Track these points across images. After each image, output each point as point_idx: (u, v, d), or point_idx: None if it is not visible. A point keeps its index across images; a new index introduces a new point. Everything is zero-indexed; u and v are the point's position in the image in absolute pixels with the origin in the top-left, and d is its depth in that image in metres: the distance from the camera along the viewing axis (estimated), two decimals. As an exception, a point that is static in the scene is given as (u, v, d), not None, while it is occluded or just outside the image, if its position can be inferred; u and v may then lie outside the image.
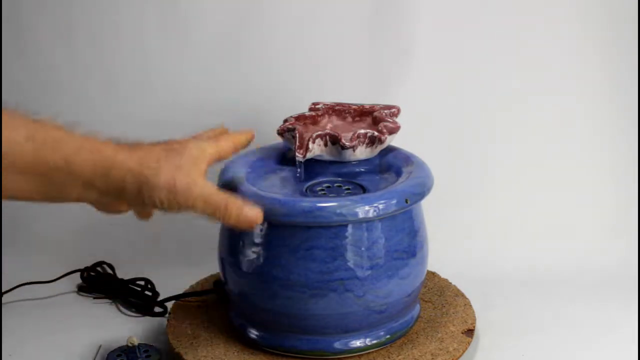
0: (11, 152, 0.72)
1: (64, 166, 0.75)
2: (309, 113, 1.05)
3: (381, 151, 1.03)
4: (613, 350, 1.00)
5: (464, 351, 0.97)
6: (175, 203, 0.80)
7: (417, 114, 1.19)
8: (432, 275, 1.12)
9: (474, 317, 1.03)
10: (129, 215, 1.25)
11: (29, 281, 1.15)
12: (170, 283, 1.11)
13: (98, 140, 0.78)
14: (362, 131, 0.99)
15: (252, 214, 0.84)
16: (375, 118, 1.04)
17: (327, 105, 1.06)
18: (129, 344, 0.99)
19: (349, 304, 0.93)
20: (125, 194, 0.79)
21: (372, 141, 1.00)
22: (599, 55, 1.25)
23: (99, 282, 1.15)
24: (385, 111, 1.04)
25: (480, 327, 1.04)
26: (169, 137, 1.25)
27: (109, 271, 1.17)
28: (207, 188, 0.81)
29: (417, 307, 1.03)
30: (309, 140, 0.99)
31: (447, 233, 1.18)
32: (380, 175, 1.02)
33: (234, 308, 1.02)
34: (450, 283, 1.11)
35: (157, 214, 1.25)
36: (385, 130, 1.00)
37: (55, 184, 0.76)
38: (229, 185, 0.94)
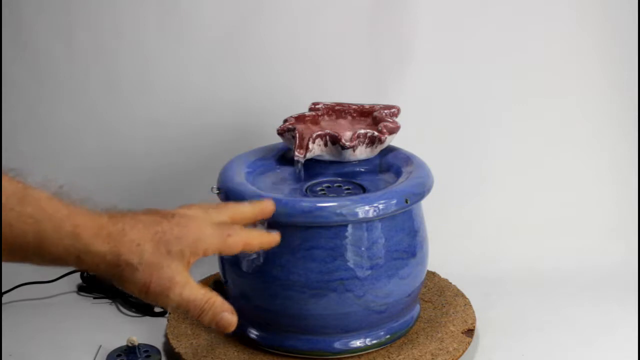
0: None
1: (35, 245, 0.70)
2: (309, 113, 1.05)
3: (381, 151, 1.03)
4: (613, 350, 1.00)
5: (464, 351, 0.97)
6: (146, 300, 0.75)
7: (417, 114, 1.19)
8: (432, 275, 1.12)
9: (474, 317, 1.03)
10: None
11: (29, 281, 1.15)
12: (170, 283, 1.11)
13: (81, 217, 0.71)
14: (362, 131, 0.99)
15: (227, 320, 0.78)
16: (375, 118, 1.04)
17: (327, 105, 1.06)
18: (129, 344, 0.99)
19: (349, 304, 0.93)
20: (98, 274, 0.74)
21: (372, 141, 1.00)
22: (599, 55, 1.25)
23: (99, 282, 1.15)
24: (385, 111, 1.04)
25: (480, 327, 1.04)
26: (167, 138, 1.26)
27: (109, 271, 1.17)
28: (185, 292, 0.74)
29: (417, 307, 1.03)
30: (309, 140, 0.99)
31: (447, 233, 1.18)
32: (380, 175, 1.02)
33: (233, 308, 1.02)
34: (450, 283, 1.11)
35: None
36: (385, 130, 1.00)
37: (25, 255, 0.71)
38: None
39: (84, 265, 0.72)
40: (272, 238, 0.82)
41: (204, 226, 0.77)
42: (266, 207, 0.85)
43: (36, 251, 0.70)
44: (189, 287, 0.75)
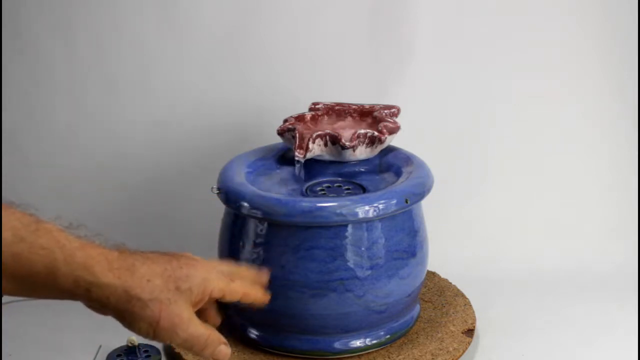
0: None
1: (45, 276, 0.70)
2: (309, 113, 1.05)
3: (381, 151, 1.03)
4: (613, 350, 1.00)
5: (464, 351, 0.97)
6: (154, 336, 0.75)
7: (417, 114, 1.19)
8: (432, 275, 1.12)
9: (474, 317, 1.03)
10: (128, 216, 1.26)
11: (29, 281, 1.15)
12: (170, 283, 1.11)
13: (93, 249, 0.72)
14: (362, 131, 0.99)
15: (224, 353, 0.79)
16: (375, 118, 1.04)
17: (327, 105, 1.06)
18: (129, 344, 0.99)
19: (349, 304, 0.93)
20: (107, 310, 0.74)
21: (372, 141, 1.00)
22: (599, 55, 1.25)
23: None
24: (385, 111, 1.04)
25: (480, 327, 1.04)
26: (167, 138, 1.26)
27: (109, 271, 1.17)
28: (191, 328, 0.76)
29: (417, 307, 1.03)
30: (309, 140, 0.99)
31: (447, 233, 1.18)
32: (380, 175, 1.02)
33: (234, 308, 1.02)
34: (450, 283, 1.11)
35: (155, 211, 1.25)
36: (385, 130, 1.00)
37: (35, 288, 0.72)
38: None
39: (93, 299, 0.73)
40: (266, 297, 0.84)
41: (210, 269, 0.79)
42: (262, 274, 0.85)
43: (45, 283, 0.71)
44: (194, 323, 0.76)
